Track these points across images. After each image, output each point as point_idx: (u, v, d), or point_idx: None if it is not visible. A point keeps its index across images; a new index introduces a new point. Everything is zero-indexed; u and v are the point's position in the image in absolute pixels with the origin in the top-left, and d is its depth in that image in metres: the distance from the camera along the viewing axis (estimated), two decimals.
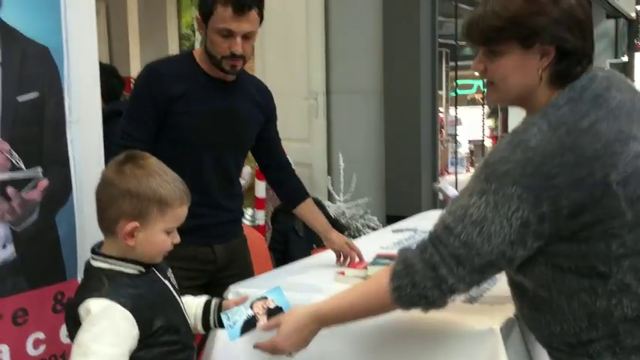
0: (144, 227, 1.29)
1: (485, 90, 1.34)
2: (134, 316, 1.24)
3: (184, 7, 6.85)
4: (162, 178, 1.31)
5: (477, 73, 1.31)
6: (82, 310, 1.25)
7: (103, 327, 1.21)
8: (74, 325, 1.27)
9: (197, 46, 5.68)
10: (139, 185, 1.28)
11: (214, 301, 1.51)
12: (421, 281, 1.21)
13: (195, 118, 1.85)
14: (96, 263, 1.33)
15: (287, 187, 2.12)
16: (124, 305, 1.24)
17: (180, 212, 1.34)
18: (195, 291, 1.76)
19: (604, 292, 1.17)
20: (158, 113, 1.82)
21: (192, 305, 1.51)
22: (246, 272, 2.02)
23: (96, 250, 1.35)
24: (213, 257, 1.93)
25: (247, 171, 4.05)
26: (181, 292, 1.58)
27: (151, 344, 1.29)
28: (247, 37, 1.80)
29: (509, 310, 1.49)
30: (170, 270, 1.46)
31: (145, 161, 1.34)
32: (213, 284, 1.94)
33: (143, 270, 1.34)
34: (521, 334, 1.51)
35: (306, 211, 2.07)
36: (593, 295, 1.18)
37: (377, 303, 1.30)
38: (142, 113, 1.83)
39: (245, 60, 1.86)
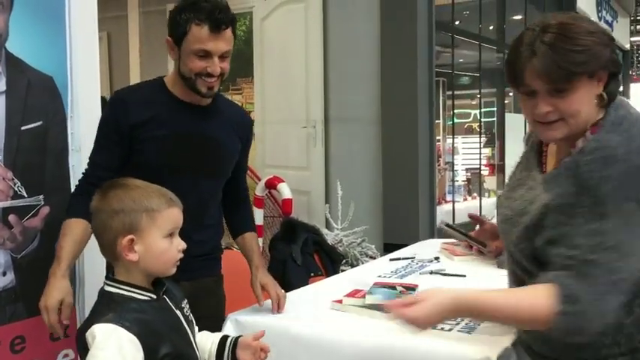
0: (140, 238, 1.31)
1: (539, 128, 1.30)
2: (139, 340, 1.24)
3: None
4: (143, 190, 1.35)
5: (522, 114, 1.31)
6: (89, 336, 1.26)
7: (109, 351, 1.22)
8: (84, 350, 1.28)
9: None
10: (122, 201, 1.32)
11: (230, 338, 1.50)
12: (586, 312, 1.18)
13: (160, 143, 1.76)
14: (108, 288, 1.35)
15: (238, 216, 2.01)
16: (129, 329, 1.24)
17: (171, 214, 1.35)
18: None
19: (637, 307, 1.20)
20: (122, 139, 1.75)
21: (208, 341, 1.49)
22: (216, 315, 1.85)
23: (109, 276, 1.37)
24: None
25: (283, 186, 4.06)
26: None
27: None
28: (224, 56, 1.72)
29: (506, 341, 1.50)
30: (186, 301, 1.46)
31: (126, 181, 1.39)
32: None
33: (153, 296, 1.35)
34: None
35: (246, 243, 1.96)
36: (627, 310, 1.20)
37: (529, 318, 1.24)
38: (106, 140, 1.78)
39: (222, 79, 1.77)
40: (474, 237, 1.86)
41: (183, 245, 1.38)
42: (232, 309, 1.91)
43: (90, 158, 1.82)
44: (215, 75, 1.71)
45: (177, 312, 1.38)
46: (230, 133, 1.88)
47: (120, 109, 1.77)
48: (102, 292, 1.35)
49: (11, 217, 1.83)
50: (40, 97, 1.86)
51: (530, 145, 1.45)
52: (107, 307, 1.29)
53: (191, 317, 1.44)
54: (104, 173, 1.71)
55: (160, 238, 1.33)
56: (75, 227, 1.69)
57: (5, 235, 1.82)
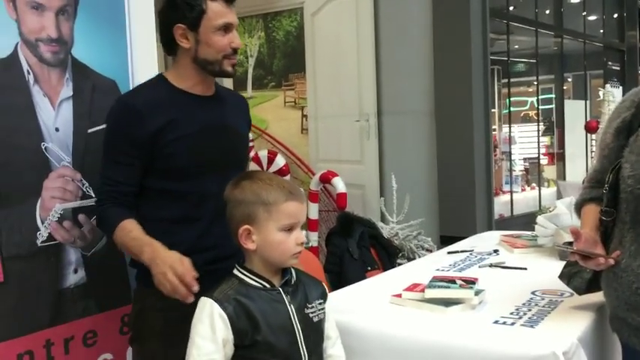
0: (257, 229, 1.38)
1: None
2: (230, 320, 1.32)
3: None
4: (264, 182, 1.41)
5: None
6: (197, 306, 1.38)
7: (204, 324, 1.32)
8: None
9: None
10: (244, 193, 1.40)
11: None
12: None
13: (189, 141, 1.65)
14: (234, 271, 1.44)
15: None
16: (224, 309, 1.33)
17: (288, 208, 1.39)
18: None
19: None
20: (142, 151, 1.62)
21: None
22: None
23: (239, 261, 1.46)
24: None
25: (337, 180, 4.09)
26: (175, 349, 1.48)
27: (246, 357, 1.35)
28: (236, 29, 1.67)
29: (572, 335, 1.47)
30: (320, 301, 1.47)
31: (253, 173, 1.46)
32: None
33: (267, 285, 1.40)
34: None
35: None
36: None
37: None
38: (124, 156, 1.63)
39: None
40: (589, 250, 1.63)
41: (302, 239, 1.43)
42: None
43: (106, 176, 1.67)
44: (237, 48, 1.67)
45: (291, 307, 1.41)
46: (239, 118, 1.82)
47: (132, 119, 1.62)
48: (230, 273, 1.44)
49: (81, 217, 1.92)
50: (105, 100, 1.93)
51: None
52: (219, 285, 1.39)
53: (317, 319, 1.45)
54: (126, 188, 1.65)
55: (275, 231, 1.39)
56: (134, 223, 1.62)
57: (76, 234, 1.90)
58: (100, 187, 1.70)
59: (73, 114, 1.90)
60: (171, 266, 1.47)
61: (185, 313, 1.42)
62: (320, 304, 1.47)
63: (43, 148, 1.82)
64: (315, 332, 1.45)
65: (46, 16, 1.82)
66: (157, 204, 1.68)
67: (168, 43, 1.71)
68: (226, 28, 1.65)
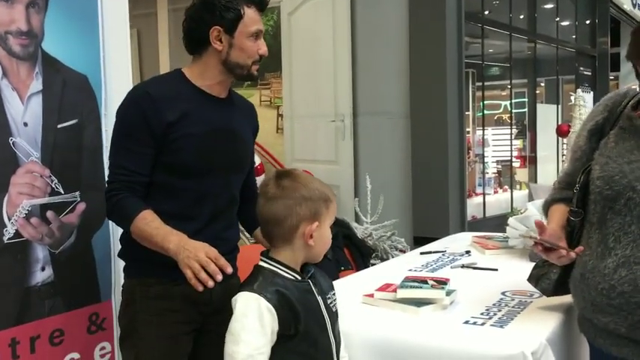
0: (319, 226, 1.42)
1: None
2: (276, 311, 1.34)
3: None
4: (314, 180, 1.48)
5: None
6: (234, 301, 1.37)
7: (251, 318, 1.33)
8: (230, 315, 1.38)
9: None
10: (308, 190, 1.42)
11: None
12: None
13: (197, 140, 1.65)
14: (261, 263, 1.44)
15: (253, 210, 1.64)
16: (269, 300, 1.34)
17: (335, 205, 1.47)
18: (186, 338, 1.66)
19: None
20: (155, 140, 1.60)
21: None
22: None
23: (266, 254, 1.46)
24: (209, 298, 1.62)
25: None
26: (169, 340, 1.60)
27: (288, 347, 1.37)
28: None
29: (541, 335, 1.49)
30: (333, 292, 1.51)
31: (296, 172, 1.48)
32: (204, 330, 1.71)
33: (299, 277, 1.42)
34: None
35: (259, 233, 1.76)
36: None
37: None
38: (138, 144, 1.60)
39: None
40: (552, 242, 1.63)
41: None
42: None
43: (119, 165, 1.62)
44: (264, 56, 1.71)
45: (319, 298, 1.44)
46: (246, 124, 1.82)
47: (150, 106, 1.60)
48: (255, 267, 1.44)
49: (49, 214, 1.88)
50: (75, 95, 1.89)
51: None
52: (254, 279, 1.40)
53: (335, 309, 1.49)
54: (141, 178, 1.62)
55: (328, 227, 1.44)
56: (153, 214, 1.59)
57: (44, 231, 1.87)
58: (112, 176, 1.63)
59: (43, 109, 1.86)
60: (204, 248, 1.48)
61: (175, 302, 1.50)
62: (333, 294, 1.51)
63: (11, 143, 1.78)
64: (336, 321, 1.50)
65: (16, 8, 1.78)
66: (155, 197, 1.65)
67: (197, 43, 1.69)
68: (257, 35, 1.69)
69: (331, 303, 1.48)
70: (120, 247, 1.74)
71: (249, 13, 1.66)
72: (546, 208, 1.68)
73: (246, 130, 1.82)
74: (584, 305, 1.50)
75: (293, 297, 1.38)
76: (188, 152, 1.64)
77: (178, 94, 1.66)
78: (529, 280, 1.75)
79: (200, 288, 1.43)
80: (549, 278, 1.67)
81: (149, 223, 1.57)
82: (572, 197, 1.55)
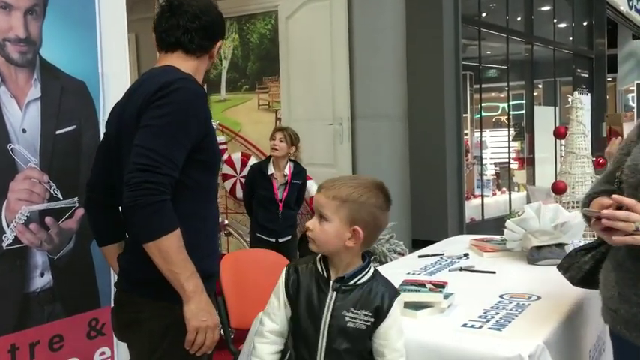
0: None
1: None
2: (285, 286, 1.52)
3: None
4: None
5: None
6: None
7: (277, 283, 1.53)
8: None
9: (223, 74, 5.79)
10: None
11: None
12: None
13: (214, 138, 1.68)
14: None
15: None
16: (288, 275, 1.53)
17: None
18: None
19: None
20: (195, 139, 1.55)
21: None
22: None
23: None
24: None
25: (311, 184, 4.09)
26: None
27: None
28: None
29: (538, 338, 1.50)
30: (361, 312, 1.48)
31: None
32: None
33: (325, 275, 1.51)
34: None
35: None
36: None
37: None
38: (188, 139, 1.52)
39: None
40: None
41: None
42: None
43: (170, 156, 1.47)
44: None
45: (330, 302, 1.48)
46: None
47: (204, 104, 1.60)
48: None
49: (48, 220, 1.88)
50: (74, 102, 1.90)
51: None
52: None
53: (349, 324, 1.46)
54: (178, 175, 1.49)
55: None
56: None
57: (43, 237, 1.87)
58: (163, 169, 1.44)
59: (41, 115, 1.87)
60: (216, 327, 1.51)
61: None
62: (367, 315, 1.47)
63: (10, 149, 1.79)
64: (343, 336, 1.46)
65: (14, 15, 1.79)
66: (180, 198, 1.52)
67: (198, 49, 1.68)
68: None
69: (350, 318, 1.46)
70: (135, 265, 1.54)
71: None
72: (587, 202, 1.64)
73: None
74: (611, 294, 1.50)
75: (304, 283, 1.51)
76: (212, 150, 1.63)
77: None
78: (558, 267, 1.75)
79: (192, 351, 1.47)
80: (580, 268, 1.68)
81: (180, 246, 1.44)
82: (614, 188, 1.55)
